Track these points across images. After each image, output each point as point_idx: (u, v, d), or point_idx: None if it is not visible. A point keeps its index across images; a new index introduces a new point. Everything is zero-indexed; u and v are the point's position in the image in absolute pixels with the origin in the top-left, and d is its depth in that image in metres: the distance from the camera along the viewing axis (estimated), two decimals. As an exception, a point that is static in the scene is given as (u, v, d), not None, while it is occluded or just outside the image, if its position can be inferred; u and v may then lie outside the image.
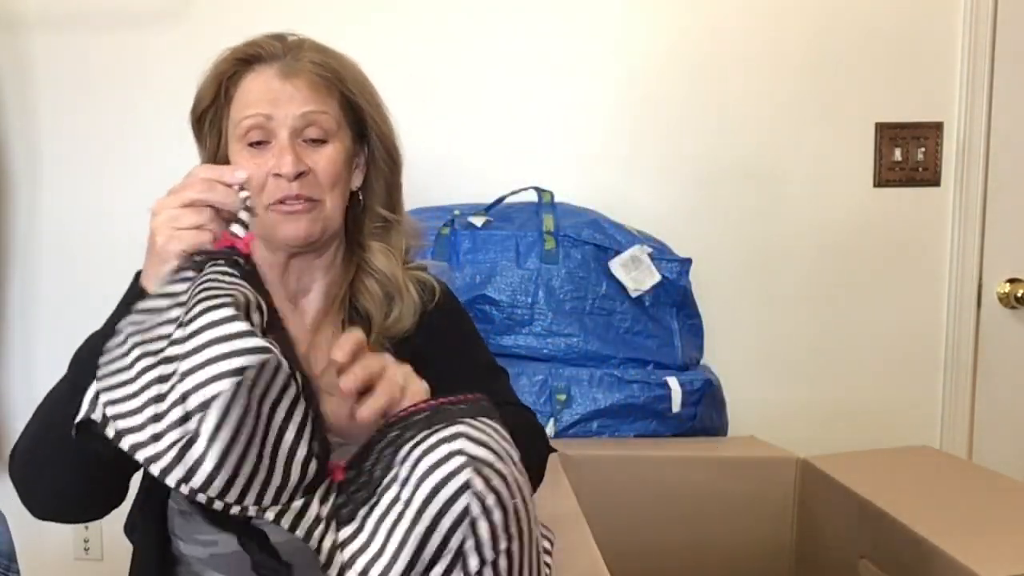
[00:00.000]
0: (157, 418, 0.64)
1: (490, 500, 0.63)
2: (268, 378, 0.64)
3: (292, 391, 0.66)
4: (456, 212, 1.78)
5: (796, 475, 1.55)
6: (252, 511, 0.65)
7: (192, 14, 2.03)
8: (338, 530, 0.67)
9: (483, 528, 0.63)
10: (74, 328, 2.25)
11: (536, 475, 0.97)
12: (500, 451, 0.65)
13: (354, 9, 2.00)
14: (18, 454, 0.86)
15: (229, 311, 0.64)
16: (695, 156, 2.02)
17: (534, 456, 0.96)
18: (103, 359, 0.69)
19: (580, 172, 2.02)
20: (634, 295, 1.72)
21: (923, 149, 2.02)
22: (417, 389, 0.76)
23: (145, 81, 2.04)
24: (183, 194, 0.76)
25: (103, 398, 0.67)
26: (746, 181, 2.02)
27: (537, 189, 1.84)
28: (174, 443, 0.62)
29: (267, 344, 0.64)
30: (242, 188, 0.78)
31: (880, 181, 2.03)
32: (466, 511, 0.62)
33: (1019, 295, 2.01)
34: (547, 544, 0.76)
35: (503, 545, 0.64)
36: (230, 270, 0.70)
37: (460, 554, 0.63)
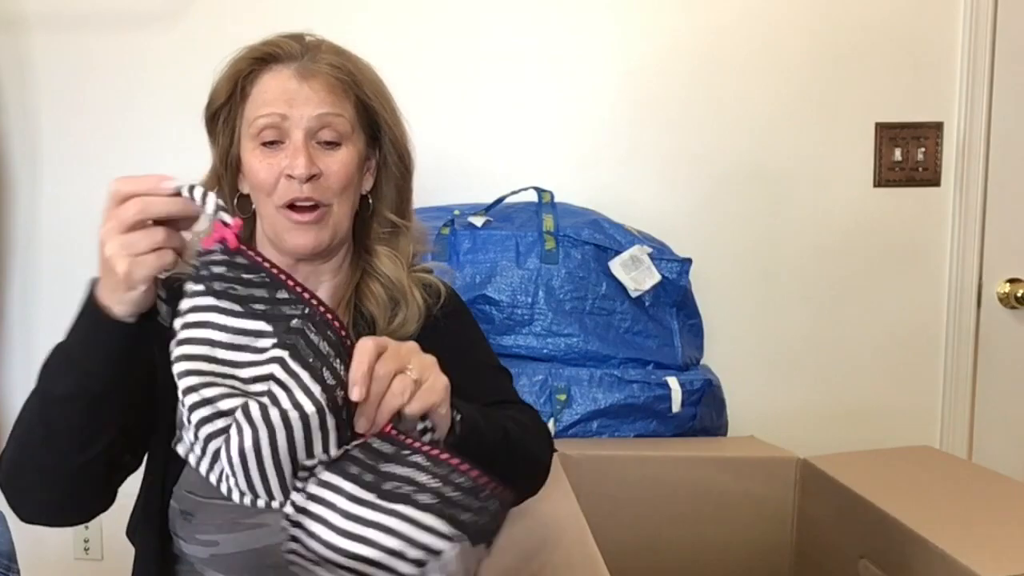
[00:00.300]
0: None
1: None
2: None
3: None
4: (456, 212, 1.78)
5: (796, 475, 1.55)
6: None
7: (192, 14, 2.03)
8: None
9: None
10: (74, 328, 2.21)
11: (542, 473, 0.97)
12: None
13: (354, 8, 1.99)
14: (3, 463, 0.86)
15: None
16: (695, 156, 2.02)
17: (539, 455, 0.96)
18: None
19: (580, 172, 2.02)
20: (634, 295, 1.72)
21: (923, 149, 2.02)
22: (435, 384, 0.74)
23: (145, 81, 2.04)
24: (121, 216, 0.74)
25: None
26: (746, 181, 2.02)
27: (537, 189, 1.84)
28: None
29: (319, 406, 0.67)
30: (206, 193, 0.74)
31: (880, 181, 2.03)
32: None
33: (1019, 295, 2.01)
34: None
35: None
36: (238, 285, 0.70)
37: None
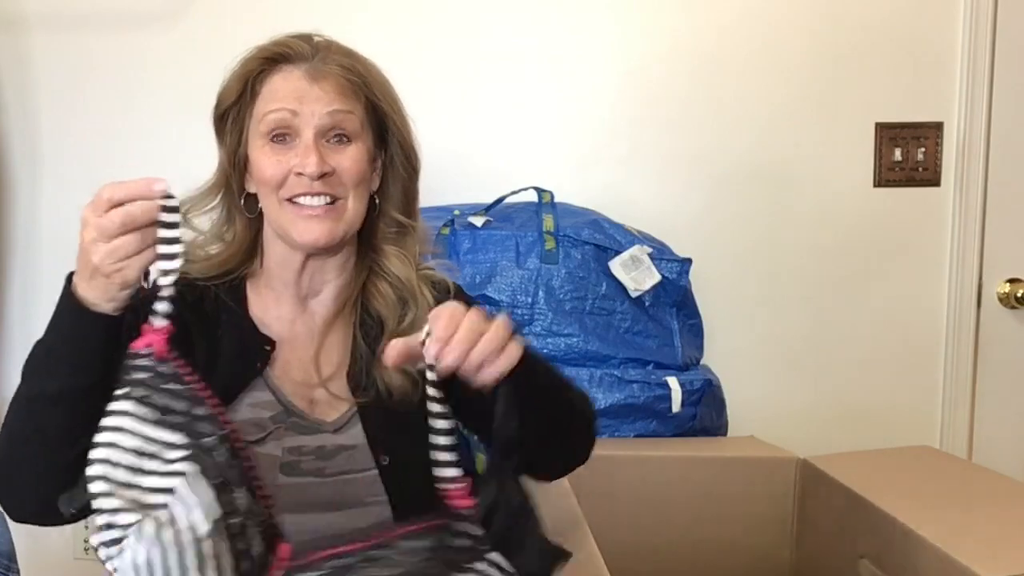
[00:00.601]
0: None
1: None
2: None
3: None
4: (456, 212, 1.78)
5: (796, 475, 1.55)
6: None
7: (192, 14, 2.03)
8: None
9: None
10: (74, 328, 2.20)
11: (592, 437, 1.00)
12: None
13: (354, 8, 1.99)
14: None
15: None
16: (695, 156, 2.02)
17: (591, 416, 0.99)
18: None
19: (580, 172, 2.01)
20: (634, 295, 1.72)
21: (923, 149, 2.02)
22: (511, 351, 0.76)
23: (145, 81, 2.04)
24: (104, 227, 0.75)
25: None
26: (746, 181, 2.02)
27: (537, 189, 1.84)
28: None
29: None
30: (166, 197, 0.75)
31: (880, 181, 2.03)
32: None
33: (1019, 295, 2.01)
34: None
35: None
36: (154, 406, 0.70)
37: None
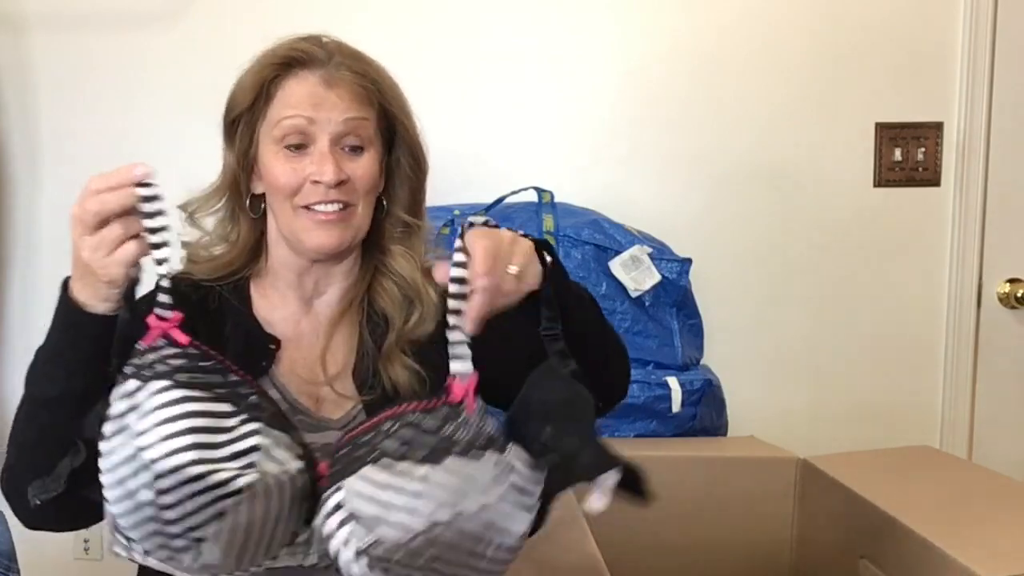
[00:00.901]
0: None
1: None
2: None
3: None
4: (456, 212, 1.78)
5: (796, 475, 1.55)
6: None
7: (192, 14, 2.03)
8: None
9: None
10: (74, 328, 2.19)
11: (628, 371, 1.04)
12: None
13: (354, 8, 1.99)
14: (4, 471, 0.87)
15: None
16: (695, 156, 2.02)
17: (625, 350, 1.04)
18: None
19: (580, 172, 2.01)
20: (634, 295, 1.72)
21: (923, 149, 2.02)
22: (528, 272, 0.82)
23: (145, 81, 2.04)
24: (82, 218, 0.75)
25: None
26: (746, 181, 2.02)
27: (537, 189, 1.84)
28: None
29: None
30: (142, 185, 0.74)
31: (880, 181, 2.03)
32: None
33: (1019, 295, 2.01)
34: None
35: None
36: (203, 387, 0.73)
37: None
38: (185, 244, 1.03)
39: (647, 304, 1.75)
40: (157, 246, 0.75)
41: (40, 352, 0.84)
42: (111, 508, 0.73)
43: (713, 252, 1.99)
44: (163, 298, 0.75)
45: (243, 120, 0.98)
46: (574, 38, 2.02)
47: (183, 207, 1.02)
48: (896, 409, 2.05)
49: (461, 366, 0.77)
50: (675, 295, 1.77)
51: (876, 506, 1.27)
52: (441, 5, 2.02)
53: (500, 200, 1.84)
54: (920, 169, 2.03)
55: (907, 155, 2.02)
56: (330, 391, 0.97)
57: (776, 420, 1.96)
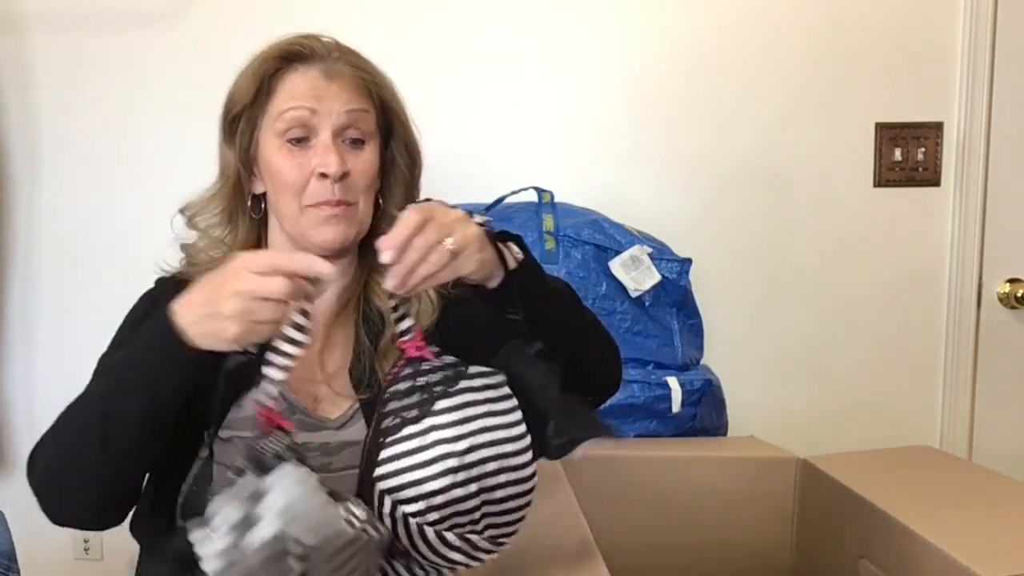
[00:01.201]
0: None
1: None
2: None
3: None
4: (456, 212, 1.77)
5: (796, 475, 1.55)
6: None
7: (192, 14, 2.03)
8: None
9: None
10: (74, 328, 2.25)
11: (617, 359, 1.04)
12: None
13: (354, 8, 1.99)
14: (39, 466, 0.86)
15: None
16: (695, 156, 2.02)
17: (612, 341, 1.04)
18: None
19: (580, 172, 2.02)
20: (634, 295, 1.72)
21: (923, 149, 2.02)
22: (469, 259, 0.84)
23: (145, 81, 2.04)
24: (267, 287, 0.74)
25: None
26: (746, 181, 2.02)
27: (537, 189, 1.84)
28: None
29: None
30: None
31: (880, 181, 2.03)
32: None
33: (1019, 295, 2.01)
34: None
35: None
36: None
37: None
38: (184, 246, 1.03)
39: (647, 304, 1.75)
40: (293, 342, 0.78)
41: (123, 362, 0.82)
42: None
43: (713, 252, 1.99)
44: (269, 388, 0.78)
45: (244, 116, 0.98)
46: (574, 38, 2.02)
47: (183, 210, 1.02)
48: (896, 409, 2.05)
49: (405, 324, 0.87)
50: (675, 295, 1.77)
51: (876, 506, 1.27)
52: (441, 5, 2.02)
53: (500, 200, 1.84)
54: (920, 169, 2.03)
55: (907, 155, 2.02)
56: (328, 390, 0.97)
57: (776, 420, 1.96)
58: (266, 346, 0.78)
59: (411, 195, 1.05)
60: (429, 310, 1.00)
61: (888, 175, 2.03)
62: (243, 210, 1.01)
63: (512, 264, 0.89)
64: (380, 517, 0.81)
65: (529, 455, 0.86)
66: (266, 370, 0.78)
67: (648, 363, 1.72)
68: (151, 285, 1.04)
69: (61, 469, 0.84)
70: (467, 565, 0.86)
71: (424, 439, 0.81)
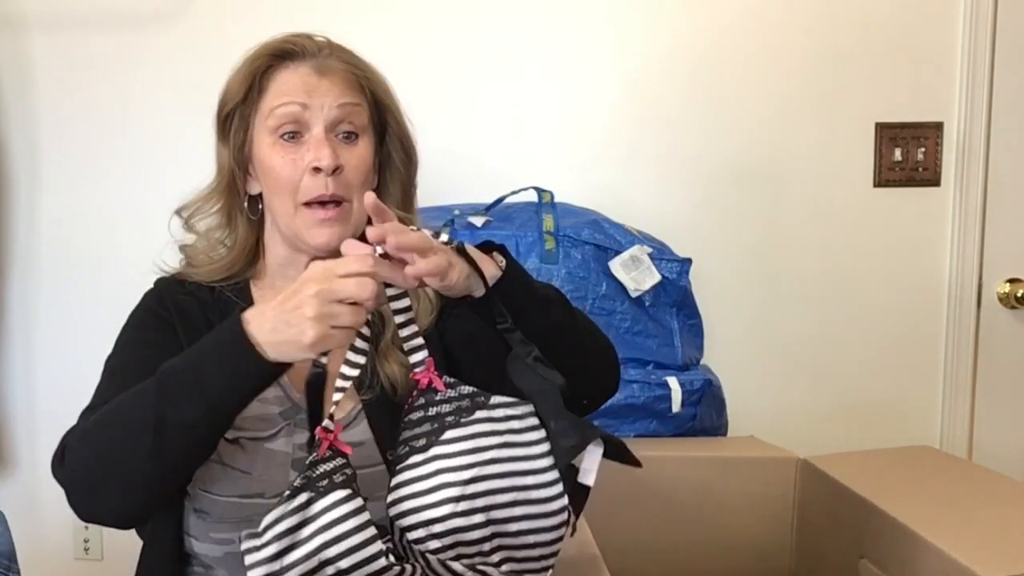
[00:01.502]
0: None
1: None
2: None
3: None
4: (456, 212, 1.78)
5: (796, 475, 1.55)
6: None
7: (192, 14, 2.03)
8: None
9: None
10: (74, 328, 2.25)
11: (614, 360, 1.02)
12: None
13: (352, 9, 1.99)
14: (76, 464, 0.84)
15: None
16: (695, 156, 2.02)
17: (607, 343, 1.02)
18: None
19: (580, 172, 2.01)
20: (634, 295, 1.72)
21: (923, 149, 2.02)
22: (462, 268, 0.83)
23: (145, 81, 2.04)
24: (348, 290, 0.75)
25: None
26: (746, 181, 2.02)
27: (537, 189, 1.84)
28: None
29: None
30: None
31: (880, 181, 2.03)
32: None
33: (1019, 295, 2.01)
34: None
35: None
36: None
37: None
38: (183, 248, 1.03)
39: (647, 304, 1.75)
40: (356, 349, 0.80)
41: (187, 368, 0.81)
42: None
43: (713, 252, 1.99)
44: (336, 413, 0.80)
45: (237, 114, 0.98)
46: (574, 38, 2.02)
47: (180, 211, 1.02)
48: (896, 409, 2.05)
49: (419, 356, 0.85)
50: (675, 295, 1.77)
51: (876, 506, 1.27)
52: (441, 5, 2.02)
53: (500, 200, 1.84)
54: (920, 169, 2.03)
55: (907, 155, 2.02)
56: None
57: (776, 420, 1.96)
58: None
59: (408, 193, 1.05)
60: (428, 309, 1.00)
61: (888, 175, 2.03)
62: (240, 210, 1.01)
63: (495, 272, 0.86)
64: (394, 545, 0.80)
65: (556, 489, 0.84)
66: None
67: (648, 363, 1.72)
68: (150, 286, 1.04)
69: (105, 468, 0.82)
70: None
71: (427, 467, 0.80)
